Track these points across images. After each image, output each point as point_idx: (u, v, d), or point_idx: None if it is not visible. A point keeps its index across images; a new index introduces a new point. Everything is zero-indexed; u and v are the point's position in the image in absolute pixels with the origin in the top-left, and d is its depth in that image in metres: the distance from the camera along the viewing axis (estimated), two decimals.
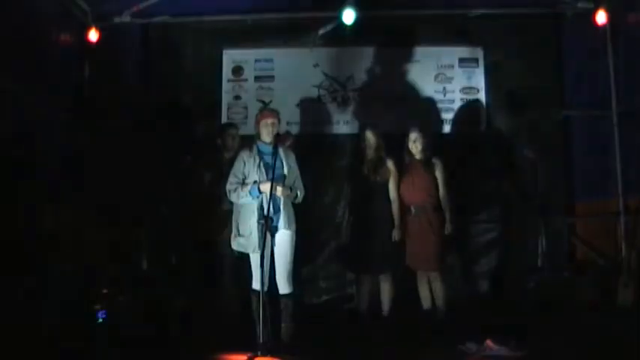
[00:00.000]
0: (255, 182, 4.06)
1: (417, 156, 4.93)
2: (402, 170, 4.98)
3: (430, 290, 4.86)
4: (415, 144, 4.93)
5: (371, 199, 4.91)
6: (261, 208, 4.02)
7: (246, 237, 4.05)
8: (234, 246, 4.16)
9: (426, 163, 4.89)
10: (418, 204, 4.84)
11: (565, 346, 3.95)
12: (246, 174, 4.14)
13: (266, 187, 4.00)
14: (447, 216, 4.81)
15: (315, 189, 5.68)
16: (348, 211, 5.12)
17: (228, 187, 4.16)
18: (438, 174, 4.87)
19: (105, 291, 4.87)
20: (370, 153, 5.00)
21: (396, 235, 4.85)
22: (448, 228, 4.80)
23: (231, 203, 4.27)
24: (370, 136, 5.01)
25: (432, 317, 4.80)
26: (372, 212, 4.89)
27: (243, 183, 4.12)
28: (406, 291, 5.15)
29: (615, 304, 4.70)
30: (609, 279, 4.86)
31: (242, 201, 4.11)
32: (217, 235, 4.90)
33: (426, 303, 4.87)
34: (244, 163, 4.17)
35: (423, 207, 4.83)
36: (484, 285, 5.81)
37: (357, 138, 5.22)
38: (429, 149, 4.94)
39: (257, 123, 4.28)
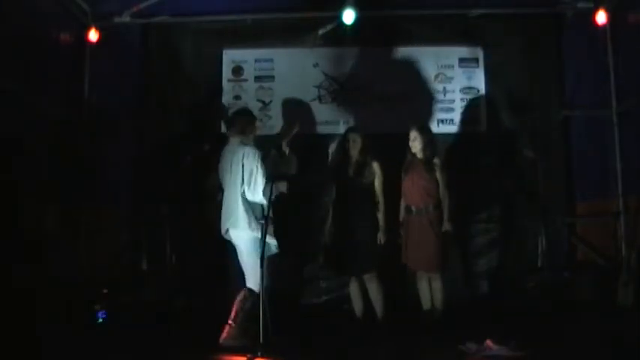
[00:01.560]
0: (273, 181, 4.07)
1: (418, 155, 4.93)
2: (402, 170, 4.98)
3: (430, 291, 4.86)
4: (414, 143, 4.92)
5: (355, 201, 4.89)
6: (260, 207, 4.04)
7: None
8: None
9: (427, 163, 4.88)
10: (418, 204, 4.84)
11: (565, 346, 3.95)
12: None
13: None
14: (446, 215, 4.80)
15: (315, 189, 5.70)
16: (332, 212, 5.08)
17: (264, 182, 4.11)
18: (439, 174, 4.86)
19: (105, 291, 4.87)
20: (355, 154, 4.99)
21: (381, 237, 4.83)
22: (446, 225, 4.78)
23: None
24: (355, 138, 5.01)
25: (432, 317, 4.80)
26: (355, 213, 4.87)
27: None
28: (406, 291, 5.16)
29: (615, 304, 4.69)
30: (609, 279, 4.86)
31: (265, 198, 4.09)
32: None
33: (426, 304, 4.86)
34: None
35: (423, 207, 4.82)
36: (484, 285, 5.80)
37: (343, 139, 5.20)
38: (430, 149, 4.92)
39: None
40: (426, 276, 4.86)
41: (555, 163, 5.88)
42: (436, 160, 4.88)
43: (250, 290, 4.07)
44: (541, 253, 5.64)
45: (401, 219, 4.98)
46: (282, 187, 4.18)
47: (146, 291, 5.20)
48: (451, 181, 4.90)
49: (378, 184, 4.90)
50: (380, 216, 4.86)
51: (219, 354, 3.90)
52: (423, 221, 4.80)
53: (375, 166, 4.92)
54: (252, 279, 4.09)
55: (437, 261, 4.78)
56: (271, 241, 4.14)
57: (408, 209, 4.90)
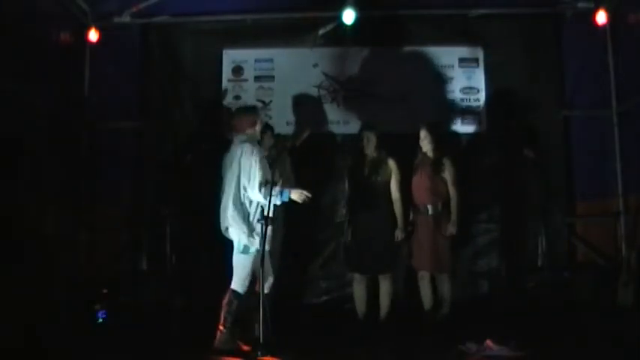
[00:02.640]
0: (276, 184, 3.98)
1: (429, 154, 4.92)
2: (412, 169, 4.97)
3: (433, 290, 4.83)
4: (424, 142, 4.91)
5: (371, 199, 4.88)
6: (261, 207, 4.03)
7: (258, 235, 4.01)
8: (253, 244, 4.04)
9: (435, 163, 4.86)
10: (426, 203, 4.83)
11: (565, 346, 3.95)
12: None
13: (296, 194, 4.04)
14: (453, 217, 4.79)
15: (315, 189, 5.69)
16: (348, 210, 5.08)
17: (261, 183, 3.98)
18: (448, 174, 4.83)
19: (105, 291, 4.87)
20: (370, 153, 4.98)
21: (398, 235, 4.82)
22: (450, 229, 4.78)
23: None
24: (370, 136, 5.00)
25: (435, 318, 4.78)
26: (372, 212, 4.87)
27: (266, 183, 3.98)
28: (407, 291, 5.16)
29: (615, 304, 4.69)
30: (609, 279, 4.86)
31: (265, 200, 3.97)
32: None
33: (427, 303, 4.85)
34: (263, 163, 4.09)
35: (430, 206, 4.80)
36: (484, 285, 5.80)
37: (357, 138, 5.20)
38: (439, 148, 4.90)
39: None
40: (428, 276, 4.85)
41: (555, 163, 5.87)
42: (445, 160, 4.86)
43: (235, 292, 4.04)
44: (541, 253, 5.64)
45: (410, 218, 4.96)
46: (295, 195, 4.07)
47: (146, 291, 5.20)
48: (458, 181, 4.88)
49: (394, 181, 4.88)
50: (398, 213, 4.84)
51: (219, 354, 3.90)
52: (430, 220, 4.79)
53: (391, 164, 4.90)
54: (237, 280, 4.06)
55: (444, 261, 4.77)
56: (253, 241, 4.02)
57: (415, 208, 4.89)
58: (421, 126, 4.98)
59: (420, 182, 4.88)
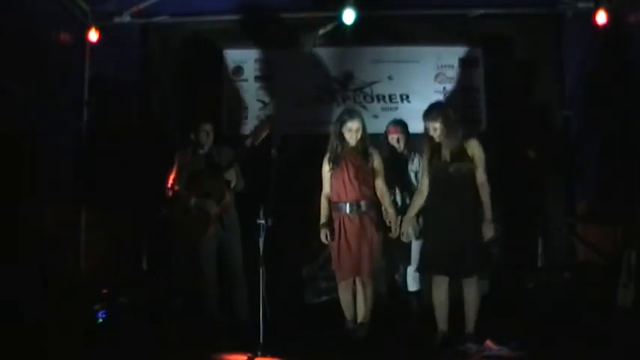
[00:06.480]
0: None
1: (352, 143, 4.33)
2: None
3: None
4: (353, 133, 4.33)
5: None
6: None
7: None
8: None
9: (363, 153, 4.33)
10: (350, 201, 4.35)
11: (565, 347, 3.95)
12: None
13: None
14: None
15: (315, 189, 5.69)
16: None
17: None
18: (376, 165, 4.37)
19: (105, 291, 4.87)
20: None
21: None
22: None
23: None
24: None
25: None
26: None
27: None
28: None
29: (615, 304, 4.69)
30: (609, 279, 4.86)
31: None
32: (199, 236, 4.67)
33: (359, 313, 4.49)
34: None
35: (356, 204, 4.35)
36: (484, 285, 5.77)
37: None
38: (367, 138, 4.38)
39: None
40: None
41: (555, 163, 5.87)
42: (372, 150, 4.36)
43: None
44: (541, 253, 5.64)
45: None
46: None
47: (146, 291, 5.20)
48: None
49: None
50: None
51: (219, 354, 3.90)
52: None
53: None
54: None
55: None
56: None
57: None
58: (349, 118, 4.34)
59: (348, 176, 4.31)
